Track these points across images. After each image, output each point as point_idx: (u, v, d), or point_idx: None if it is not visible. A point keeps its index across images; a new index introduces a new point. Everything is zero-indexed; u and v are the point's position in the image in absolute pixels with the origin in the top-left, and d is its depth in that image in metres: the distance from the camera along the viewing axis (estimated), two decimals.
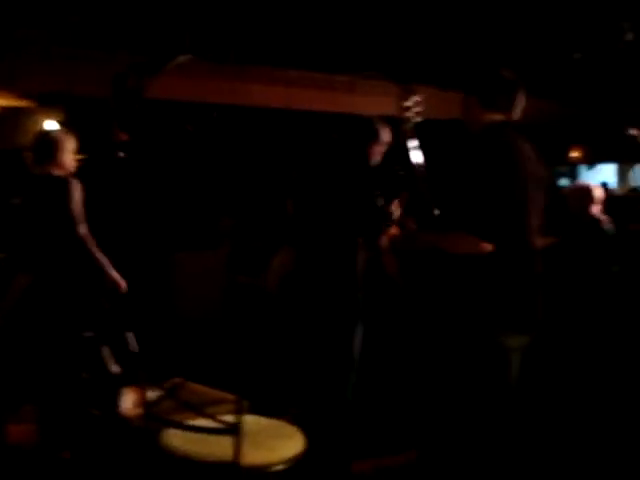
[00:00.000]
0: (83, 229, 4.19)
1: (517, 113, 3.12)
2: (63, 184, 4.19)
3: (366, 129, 4.49)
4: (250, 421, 2.80)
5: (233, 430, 2.55)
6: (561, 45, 8.46)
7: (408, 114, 3.28)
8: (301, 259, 4.73)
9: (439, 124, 5.62)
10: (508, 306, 2.95)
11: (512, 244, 2.92)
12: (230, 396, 3.14)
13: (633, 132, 5.72)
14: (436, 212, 3.18)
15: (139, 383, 2.73)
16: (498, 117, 3.08)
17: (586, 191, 5.71)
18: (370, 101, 8.21)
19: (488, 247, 2.85)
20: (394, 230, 6.13)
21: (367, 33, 8.21)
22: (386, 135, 4.51)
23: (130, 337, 2.69)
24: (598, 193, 5.67)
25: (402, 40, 8.32)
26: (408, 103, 3.29)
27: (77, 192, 4.20)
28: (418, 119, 3.28)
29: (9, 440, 3.94)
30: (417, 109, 3.29)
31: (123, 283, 4.33)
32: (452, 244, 2.96)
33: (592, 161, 13.31)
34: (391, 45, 8.33)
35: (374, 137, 4.45)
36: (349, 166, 4.49)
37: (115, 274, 4.30)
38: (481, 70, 3.23)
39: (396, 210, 6.58)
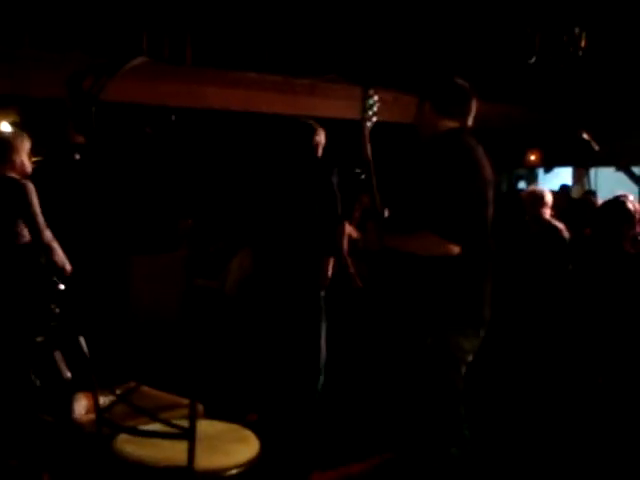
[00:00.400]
0: (48, 235, 4.14)
1: (470, 120, 3.17)
2: (18, 187, 4.13)
3: (304, 126, 4.62)
4: (205, 425, 2.79)
5: (187, 435, 2.53)
6: (516, 50, 8.57)
7: (366, 115, 3.30)
8: (261, 261, 4.73)
9: (390, 127, 5.66)
10: (464, 303, 2.99)
11: (474, 245, 2.96)
12: (185, 400, 3.12)
13: (585, 136, 5.80)
14: (386, 213, 3.20)
15: (92, 388, 2.69)
16: (453, 124, 3.13)
17: (538, 195, 5.86)
18: (330, 104, 8.23)
19: (455, 249, 2.89)
20: (354, 232, 6.17)
21: (328, 36, 8.23)
22: (321, 134, 4.65)
23: (82, 341, 2.65)
24: (549, 198, 5.83)
25: (362, 43, 8.35)
26: (367, 104, 3.32)
27: (34, 195, 4.14)
28: (375, 119, 3.30)
29: None
30: (375, 110, 3.31)
31: (68, 266, 4.25)
32: (419, 246, 2.97)
33: (549, 164, 13.48)
34: (351, 48, 8.36)
35: (313, 132, 4.58)
36: (300, 161, 4.57)
37: (60, 258, 4.21)
38: (436, 77, 3.28)
39: (356, 211, 6.64)
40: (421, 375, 3.02)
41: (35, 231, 4.09)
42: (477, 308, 3.05)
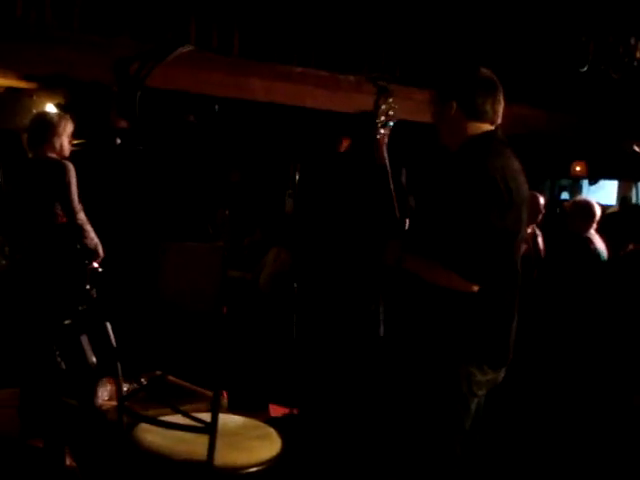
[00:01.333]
0: (82, 217, 4.14)
1: (500, 118, 2.74)
2: (59, 167, 4.14)
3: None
4: (227, 420, 2.75)
5: (208, 429, 2.48)
6: (570, 57, 8.40)
7: (382, 115, 2.97)
8: (301, 262, 4.65)
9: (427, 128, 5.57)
10: (483, 338, 2.65)
11: (498, 283, 2.62)
12: (209, 393, 3.07)
13: (637, 148, 5.63)
14: (407, 224, 2.88)
15: (116, 375, 2.66)
16: (485, 127, 2.69)
17: (589, 210, 5.55)
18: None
19: (475, 287, 2.55)
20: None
21: (376, 34, 8.16)
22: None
23: (108, 327, 2.62)
24: (597, 211, 5.59)
25: (406, 43, 8.27)
26: (383, 105, 2.99)
27: (73, 176, 4.15)
28: (392, 123, 2.98)
29: None
30: (390, 112, 2.98)
31: (100, 249, 4.24)
32: (438, 279, 2.60)
33: (595, 176, 13.24)
34: (396, 47, 8.28)
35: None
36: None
37: (92, 241, 4.18)
38: (458, 70, 2.79)
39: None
40: (423, 406, 2.69)
41: (69, 212, 4.10)
42: (497, 346, 2.70)
